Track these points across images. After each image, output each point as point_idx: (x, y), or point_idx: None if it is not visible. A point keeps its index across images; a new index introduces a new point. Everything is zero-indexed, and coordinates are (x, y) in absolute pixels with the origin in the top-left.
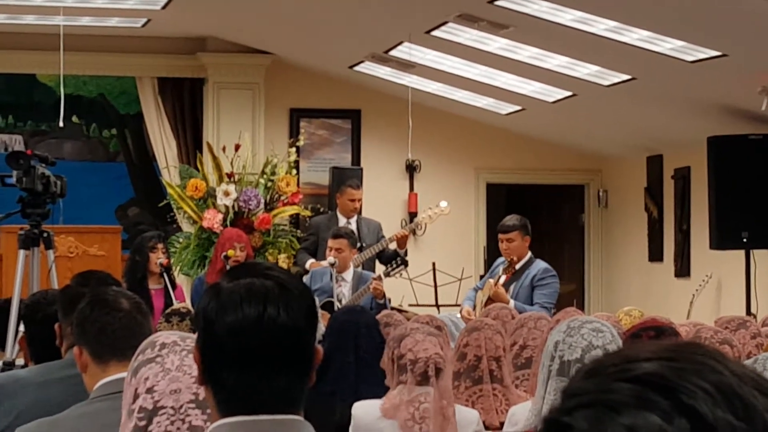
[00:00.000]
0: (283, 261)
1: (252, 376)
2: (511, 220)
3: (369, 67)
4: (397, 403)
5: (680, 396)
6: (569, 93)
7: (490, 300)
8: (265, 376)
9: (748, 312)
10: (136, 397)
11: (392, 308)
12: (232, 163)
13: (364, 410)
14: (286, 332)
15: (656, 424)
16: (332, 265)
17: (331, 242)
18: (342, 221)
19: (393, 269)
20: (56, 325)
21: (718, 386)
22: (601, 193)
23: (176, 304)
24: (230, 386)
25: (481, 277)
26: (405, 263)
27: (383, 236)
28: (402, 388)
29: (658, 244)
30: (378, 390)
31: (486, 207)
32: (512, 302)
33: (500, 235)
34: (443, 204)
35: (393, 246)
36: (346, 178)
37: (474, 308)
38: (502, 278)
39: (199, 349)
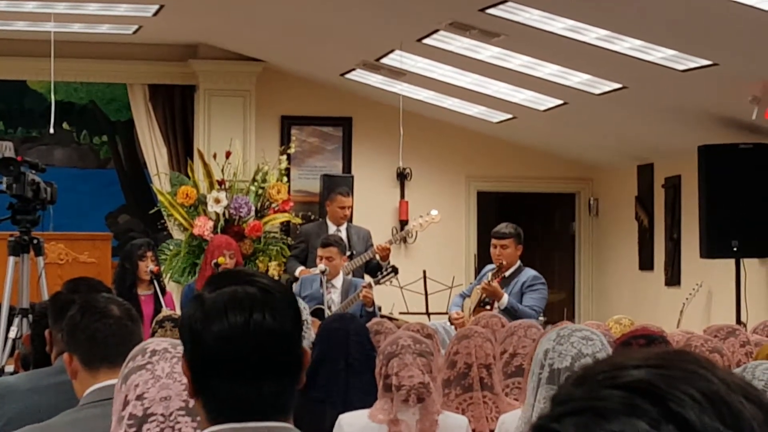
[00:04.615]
0: (274, 268)
1: (242, 383)
2: (507, 227)
3: (360, 75)
4: (383, 415)
5: (668, 403)
6: (560, 101)
7: (478, 308)
8: (256, 382)
9: (738, 321)
10: (126, 403)
11: (382, 316)
12: (222, 171)
13: (351, 420)
14: (274, 336)
15: (644, 431)
16: (323, 272)
17: (320, 251)
18: (332, 229)
19: (383, 277)
20: (46, 332)
21: (706, 393)
22: (591, 202)
23: (166, 311)
24: (221, 394)
25: (470, 283)
26: (395, 271)
27: (372, 244)
28: (388, 403)
29: (648, 252)
30: (368, 397)
31: (477, 215)
32: (506, 297)
33: (494, 241)
34: (434, 212)
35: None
36: (337, 185)
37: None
38: (493, 283)
39: (188, 361)
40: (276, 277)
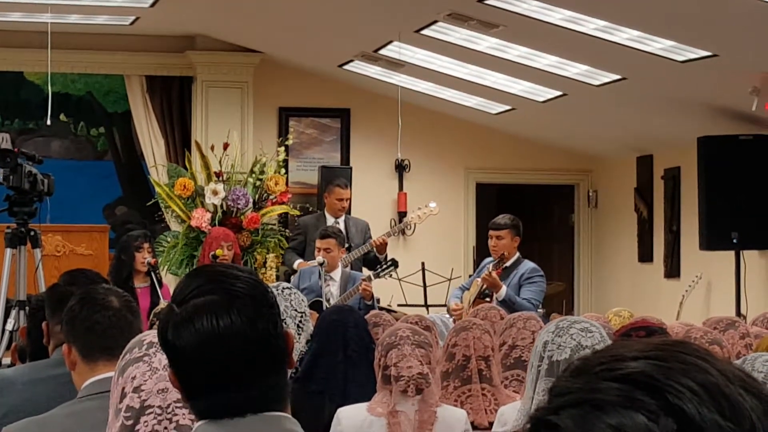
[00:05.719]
0: (272, 260)
1: (227, 386)
2: (504, 218)
3: (358, 66)
4: (382, 408)
5: (667, 396)
6: (559, 92)
7: (478, 299)
8: (241, 384)
9: (738, 313)
10: (123, 396)
11: (381, 308)
12: (220, 162)
13: (350, 413)
14: (246, 337)
15: (643, 423)
16: (321, 264)
17: (319, 243)
18: (330, 221)
19: (383, 270)
20: (43, 324)
21: (705, 386)
22: (591, 194)
23: (163, 303)
24: (209, 399)
25: (470, 276)
26: (395, 264)
27: (370, 236)
28: (387, 395)
29: (647, 244)
30: (366, 390)
31: (476, 207)
32: (504, 288)
33: (491, 232)
34: (432, 204)
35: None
36: (335, 177)
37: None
38: (493, 274)
39: (173, 371)
40: (274, 270)
